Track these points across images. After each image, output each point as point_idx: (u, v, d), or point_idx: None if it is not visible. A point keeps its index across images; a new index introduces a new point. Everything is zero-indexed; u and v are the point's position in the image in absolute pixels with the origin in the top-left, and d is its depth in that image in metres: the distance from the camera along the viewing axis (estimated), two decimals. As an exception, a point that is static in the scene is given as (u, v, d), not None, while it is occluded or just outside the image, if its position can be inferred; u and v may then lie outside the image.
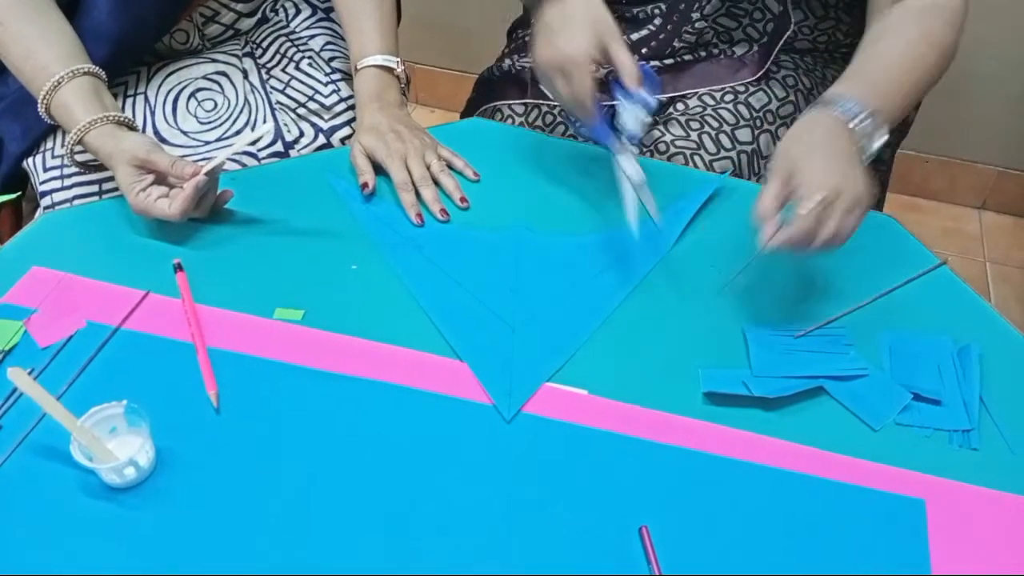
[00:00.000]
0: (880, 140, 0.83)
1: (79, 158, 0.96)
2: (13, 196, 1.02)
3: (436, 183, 0.96)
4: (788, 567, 0.66)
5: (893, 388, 0.78)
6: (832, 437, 0.75)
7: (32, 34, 0.95)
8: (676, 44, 1.08)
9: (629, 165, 0.84)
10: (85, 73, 0.94)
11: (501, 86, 1.19)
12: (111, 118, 0.92)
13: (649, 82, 0.85)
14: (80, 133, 0.91)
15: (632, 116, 0.83)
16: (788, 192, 0.76)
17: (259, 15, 1.19)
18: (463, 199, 0.94)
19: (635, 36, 1.10)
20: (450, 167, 0.98)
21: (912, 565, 0.67)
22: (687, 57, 1.09)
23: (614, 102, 0.86)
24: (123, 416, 0.70)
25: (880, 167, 1.20)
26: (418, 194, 0.94)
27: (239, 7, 1.16)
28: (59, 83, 0.92)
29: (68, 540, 0.65)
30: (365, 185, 0.94)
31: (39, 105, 0.94)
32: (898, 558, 0.67)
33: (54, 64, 0.93)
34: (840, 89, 0.84)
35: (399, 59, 1.03)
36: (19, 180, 1.10)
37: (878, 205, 1.25)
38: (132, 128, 0.94)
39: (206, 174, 0.86)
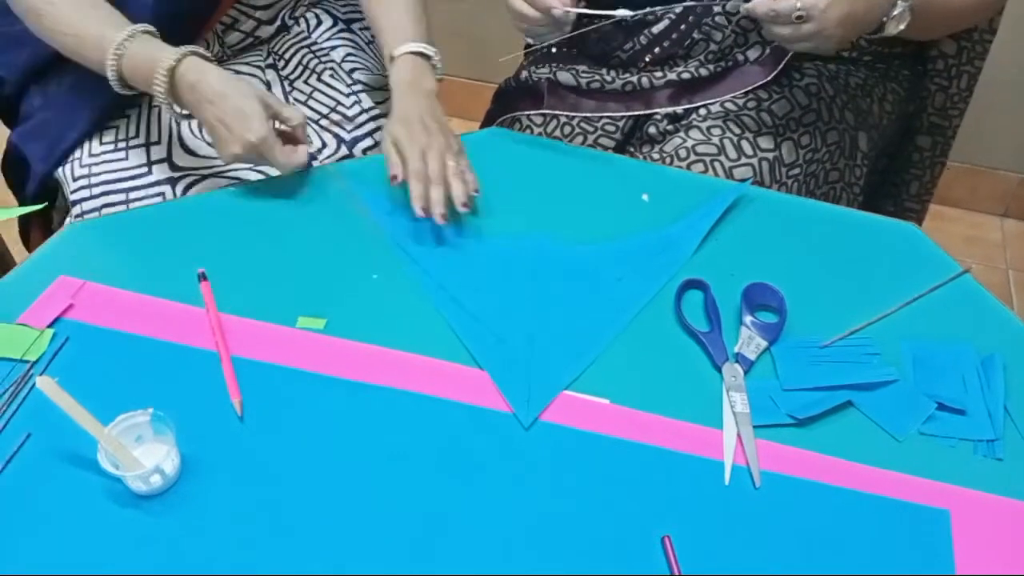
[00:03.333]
0: (895, 30, 0.94)
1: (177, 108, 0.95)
2: (40, 206, 1.04)
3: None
4: (812, 577, 0.66)
5: (917, 398, 0.78)
6: (856, 447, 0.74)
7: (76, 13, 0.95)
8: (695, 35, 1.08)
9: (739, 399, 0.77)
10: (144, 32, 0.94)
11: (519, 97, 1.19)
12: (193, 51, 0.92)
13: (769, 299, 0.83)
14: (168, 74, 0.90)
15: (755, 345, 0.80)
16: None
17: (279, 22, 1.19)
18: (464, 204, 0.90)
19: (656, 29, 1.10)
20: None
21: (937, 576, 0.66)
22: (703, 72, 1.09)
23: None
24: (149, 424, 0.71)
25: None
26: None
27: (258, 14, 1.17)
28: (123, 45, 0.92)
29: (94, 546, 0.66)
30: (394, 177, 0.91)
31: (110, 75, 0.94)
32: (923, 569, 0.67)
33: (109, 31, 0.93)
34: None
35: (435, 48, 1.02)
36: (48, 192, 1.11)
37: (929, 183, 1.27)
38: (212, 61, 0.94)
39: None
